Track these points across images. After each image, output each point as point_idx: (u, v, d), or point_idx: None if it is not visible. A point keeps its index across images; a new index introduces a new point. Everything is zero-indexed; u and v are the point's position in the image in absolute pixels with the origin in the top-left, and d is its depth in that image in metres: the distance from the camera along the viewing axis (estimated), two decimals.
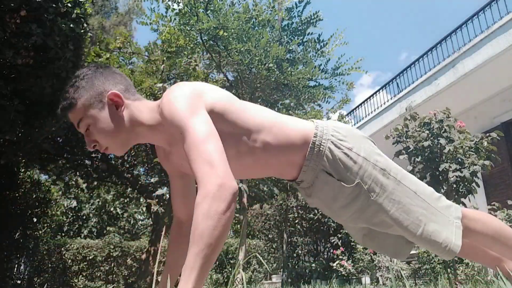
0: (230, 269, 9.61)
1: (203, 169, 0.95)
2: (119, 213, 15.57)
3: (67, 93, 1.14)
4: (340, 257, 8.17)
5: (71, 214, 14.86)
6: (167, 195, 7.25)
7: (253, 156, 1.18)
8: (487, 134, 3.93)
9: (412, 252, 7.46)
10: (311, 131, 1.21)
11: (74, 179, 9.16)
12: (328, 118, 8.97)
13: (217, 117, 1.11)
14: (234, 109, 1.15)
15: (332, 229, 9.11)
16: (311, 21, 5.38)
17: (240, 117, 1.15)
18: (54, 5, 3.70)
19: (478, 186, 3.84)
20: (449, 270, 4.20)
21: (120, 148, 1.20)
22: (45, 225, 10.03)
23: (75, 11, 3.92)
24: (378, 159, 1.22)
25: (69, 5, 3.86)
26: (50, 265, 9.78)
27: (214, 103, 1.11)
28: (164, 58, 6.59)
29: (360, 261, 7.95)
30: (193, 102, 1.06)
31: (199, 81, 6.93)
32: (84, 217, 15.05)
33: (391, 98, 10.65)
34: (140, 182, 8.08)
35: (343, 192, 1.19)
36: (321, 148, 1.19)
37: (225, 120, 1.13)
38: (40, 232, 9.59)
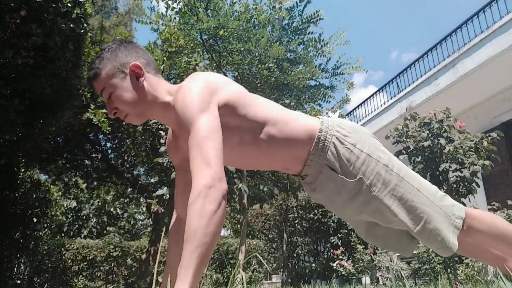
0: (230, 269, 9.61)
1: (199, 167, 0.99)
2: (119, 213, 15.57)
3: (93, 63, 1.23)
4: (340, 257, 8.17)
5: (71, 214, 14.86)
6: (167, 195, 7.25)
7: (257, 147, 1.22)
8: (487, 134, 3.93)
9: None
10: (317, 126, 1.24)
11: (74, 179, 9.16)
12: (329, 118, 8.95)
13: (229, 111, 1.16)
14: (245, 103, 1.19)
15: (332, 229, 9.11)
16: (312, 20, 5.37)
17: (250, 111, 1.19)
18: (54, 5, 3.69)
19: (478, 186, 3.84)
20: (449, 270, 4.20)
21: (138, 117, 1.26)
22: (45, 225, 10.03)
23: (75, 11, 3.92)
24: (381, 155, 1.24)
25: (69, 5, 3.85)
26: (50, 265, 9.78)
27: (227, 98, 1.16)
28: (164, 58, 6.58)
29: (360, 261, 7.94)
30: (204, 98, 1.10)
31: None
32: (84, 217, 15.05)
33: (391, 98, 10.65)
34: (140, 182, 8.08)
35: (345, 187, 1.22)
36: (325, 144, 1.22)
37: (235, 114, 1.17)
38: (40, 232, 9.58)
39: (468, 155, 3.84)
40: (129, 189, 9.06)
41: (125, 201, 12.01)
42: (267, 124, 1.20)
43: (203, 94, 1.10)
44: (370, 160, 1.21)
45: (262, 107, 1.23)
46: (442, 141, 3.81)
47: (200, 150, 1.01)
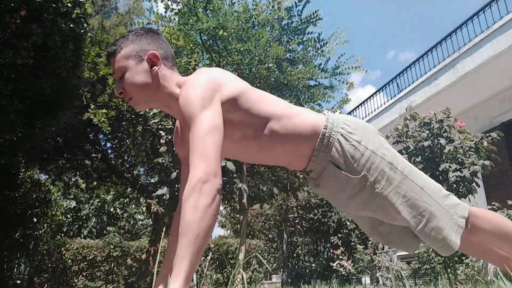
0: (230, 269, 9.60)
1: (196, 161, 1.02)
2: (119, 213, 15.56)
3: (116, 41, 1.30)
4: (340, 257, 8.17)
5: (71, 214, 14.85)
6: (167, 195, 7.25)
7: (258, 142, 1.23)
8: (487, 134, 3.93)
9: None
10: (322, 122, 1.25)
11: (74, 179, 9.16)
12: None
13: (231, 106, 1.18)
14: (248, 99, 1.21)
15: (332, 229, 9.11)
16: (311, 20, 5.37)
17: (254, 106, 1.21)
18: (54, 5, 3.69)
19: (478, 186, 3.84)
20: (449, 270, 4.20)
21: (143, 103, 1.30)
22: (45, 225, 10.02)
23: (75, 11, 3.92)
24: (386, 153, 1.25)
25: (69, 5, 3.85)
26: (50, 265, 9.78)
27: (230, 94, 1.17)
28: None
29: (360, 261, 7.95)
30: (207, 94, 1.12)
31: None
32: (84, 217, 15.05)
33: (391, 98, 10.65)
34: (140, 182, 8.08)
35: (349, 183, 1.22)
36: (330, 140, 1.22)
37: (238, 110, 1.19)
38: (40, 232, 9.58)
39: (468, 155, 3.84)
40: (129, 189, 9.06)
41: (125, 201, 12.02)
42: (271, 120, 1.22)
43: (206, 91, 1.12)
44: (375, 157, 1.22)
45: (266, 103, 1.24)
46: (442, 141, 3.81)
47: (199, 145, 1.03)
